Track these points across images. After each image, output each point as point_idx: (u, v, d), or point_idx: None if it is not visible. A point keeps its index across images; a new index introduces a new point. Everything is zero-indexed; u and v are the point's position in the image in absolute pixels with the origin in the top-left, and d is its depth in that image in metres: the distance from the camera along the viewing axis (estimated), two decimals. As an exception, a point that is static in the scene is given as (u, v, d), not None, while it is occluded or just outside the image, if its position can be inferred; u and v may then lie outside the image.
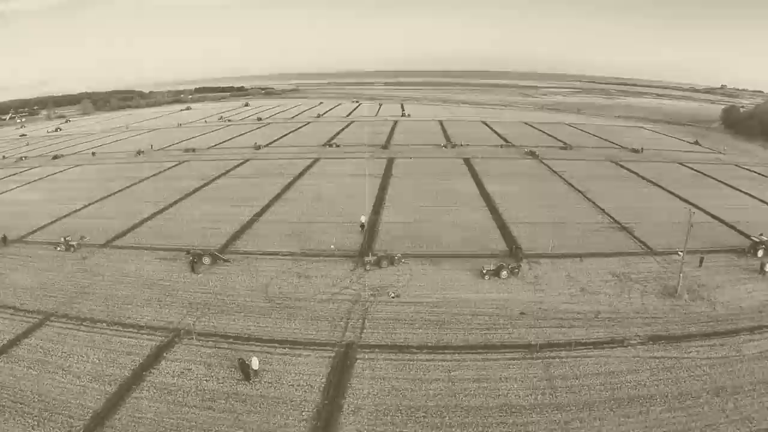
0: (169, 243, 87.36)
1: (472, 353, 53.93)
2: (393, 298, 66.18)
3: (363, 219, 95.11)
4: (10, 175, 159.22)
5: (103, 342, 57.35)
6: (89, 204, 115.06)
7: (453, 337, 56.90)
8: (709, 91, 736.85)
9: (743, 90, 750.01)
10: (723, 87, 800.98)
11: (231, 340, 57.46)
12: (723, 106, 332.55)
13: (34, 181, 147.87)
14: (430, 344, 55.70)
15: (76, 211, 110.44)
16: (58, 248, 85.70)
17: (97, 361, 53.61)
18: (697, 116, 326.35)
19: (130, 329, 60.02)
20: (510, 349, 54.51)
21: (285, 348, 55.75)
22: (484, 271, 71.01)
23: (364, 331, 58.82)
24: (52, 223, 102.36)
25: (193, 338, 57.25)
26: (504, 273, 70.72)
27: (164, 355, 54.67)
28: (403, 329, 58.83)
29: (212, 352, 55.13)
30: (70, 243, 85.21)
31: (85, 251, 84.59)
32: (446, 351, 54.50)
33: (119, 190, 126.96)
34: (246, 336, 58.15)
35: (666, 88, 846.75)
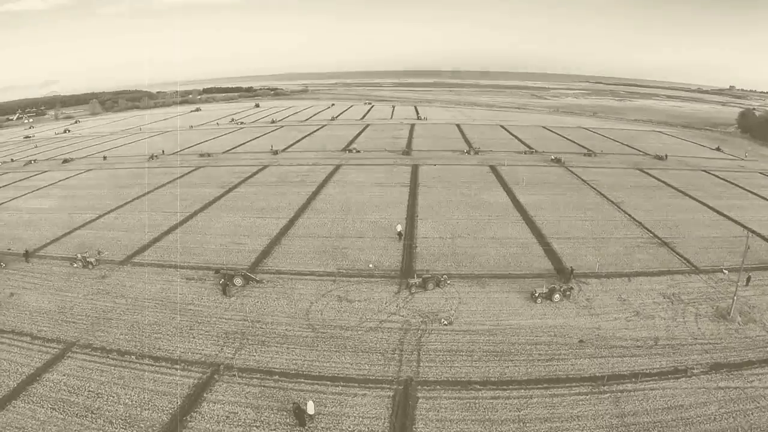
0: (194, 260, 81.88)
1: (538, 388, 49.79)
2: (446, 325, 61.03)
3: (399, 228, 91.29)
4: (19, 180, 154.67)
5: (134, 379, 51.81)
6: (104, 214, 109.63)
7: (516, 371, 52.51)
8: (717, 92, 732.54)
9: (751, 91, 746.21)
10: (731, 88, 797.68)
11: (276, 376, 52.04)
12: (737, 110, 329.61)
13: (45, 186, 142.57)
14: (493, 379, 51.26)
15: (90, 221, 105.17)
16: (75, 265, 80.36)
17: (130, 403, 48.04)
18: (713, 120, 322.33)
19: (163, 363, 54.55)
20: (576, 382, 50.53)
21: (338, 386, 50.41)
22: (536, 294, 66.61)
23: (421, 364, 53.76)
24: (65, 234, 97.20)
25: (234, 375, 51.71)
26: (556, 296, 66.74)
27: (204, 395, 49.12)
28: (461, 362, 54.17)
29: (258, 391, 49.67)
30: (87, 259, 79.46)
31: (104, 268, 79.10)
32: (511, 386, 50.13)
33: (135, 199, 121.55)
34: (293, 372, 52.76)
35: (674, 89, 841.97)
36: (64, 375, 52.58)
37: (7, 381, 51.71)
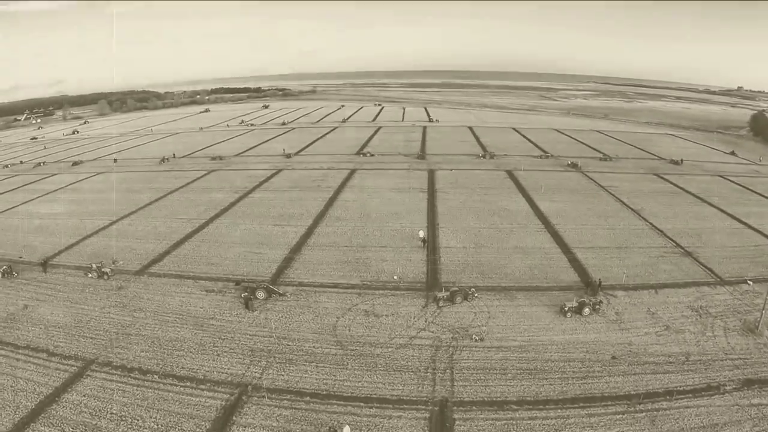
0: (213, 271, 79.68)
1: (574, 408, 48.07)
2: (477, 341, 59.00)
3: (422, 234, 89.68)
4: (28, 183, 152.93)
5: (158, 400, 49.60)
6: (117, 220, 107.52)
7: (550, 389, 50.56)
8: (725, 93, 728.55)
9: (760, 92, 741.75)
10: (739, 89, 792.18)
11: (308, 398, 49.73)
12: (747, 111, 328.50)
13: (55, 190, 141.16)
14: (528, 398, 49.31)
15: (103, 228, 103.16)
16: (90, 275, 78.14)
17: (156, 427, 45.81)
18: (724, 122, 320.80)
19: (187, 383, 52.28)
20: (611, 401, 48.80)
21: (372, 408, 48.25)
22: (566, 309, 64.61)
23: (455, 383, 51.82)
24: (78, 242, 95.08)
25: (264, 396, 49.45)
26: (586, 310, 64.65)
27: (233, 419, 46.83)
28: (496, 380, 52.23)
29: (290, 414, 47.36)
30: (102, 270, 77.36)
31: (120, 279, 77.05)
32: (547, 406, 48.23)
33: (147, 204, 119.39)
34: (324, 392, 50.46)
35: (681, 89, 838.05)
36: (84, 395, 50.37)
37: (24, 401, 49.60)
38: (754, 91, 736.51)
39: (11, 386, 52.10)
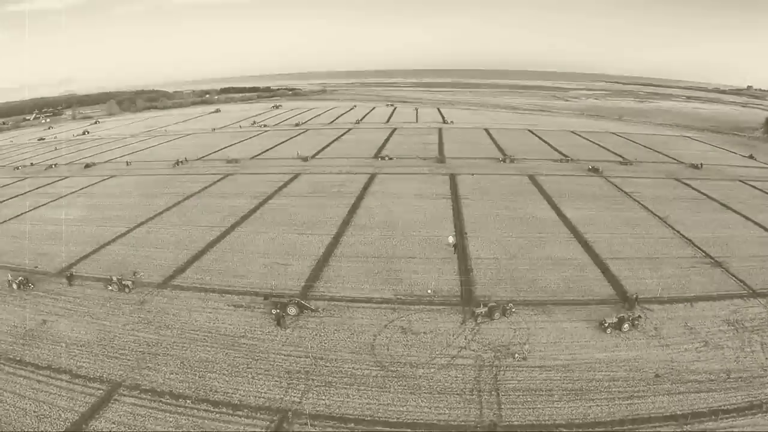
0: (239, 284, 76.68)
1: (623, 430, 46.79)
2: (520, 361, 56.77)
3: (452, 239, 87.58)
4: (40, 186, 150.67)
5: (194, 427, 46.99)
6: (134, 227, 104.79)
7: (598, 411, 48.91)
8: (735, 92, 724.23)
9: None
10: (749, 88, 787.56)
11: (352, 424, 47.20)
12: (759, 111, 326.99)
13: (68, 194, 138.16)
14: (577, 421, 47.52)
15: (120, 235, 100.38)
16: (110, 287, 75.29)
17: (195, 460, 42.14)
18: (737, 123, 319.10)
19: (223, 409, 49.56)
20: (659, 422, 47.60)
21: (421, 435, 44.58)
22: (606, 324, 62.50)
23: (502, 406, 49.64)
24: (95, 251, 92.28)
25: (306, 423, 46.65)
26: (626, 326, 62.77)
27: (276, 449, 43.03)
28: (542, 403, 50.19)
29: (334, 444, 43.58)
30: (123, 282, 74.49)
31: (142, 292, 74.32)
32: (597, 429, 46.68)
33: (165, 210, 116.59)
34: (369, 418, 47.86)
35: (691, 89, 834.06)
36: (113, 423, 47.67)
37: (49, 429, 46.93)
38: (764, 90, 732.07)
39: (34, 412, 49.54)
